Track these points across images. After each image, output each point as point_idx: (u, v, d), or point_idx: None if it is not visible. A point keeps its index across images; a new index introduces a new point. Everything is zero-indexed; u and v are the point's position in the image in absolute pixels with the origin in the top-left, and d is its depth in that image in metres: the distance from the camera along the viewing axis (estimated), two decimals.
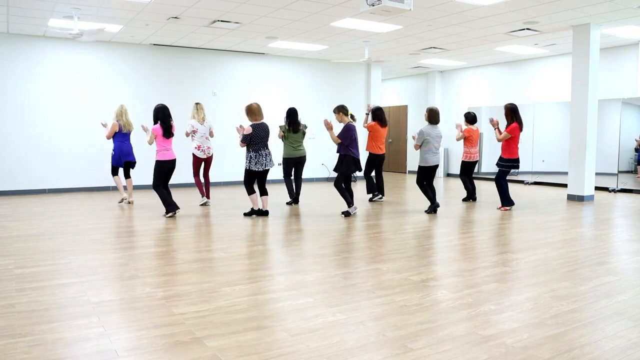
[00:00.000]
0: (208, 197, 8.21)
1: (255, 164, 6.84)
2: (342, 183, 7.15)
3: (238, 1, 7.46)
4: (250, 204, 8.29)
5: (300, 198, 9.14)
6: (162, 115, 6.95)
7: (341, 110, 7.30)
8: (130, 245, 5.27)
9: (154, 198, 9.08)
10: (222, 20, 8.60)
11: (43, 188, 10.00)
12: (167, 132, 6.98)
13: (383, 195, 8.92)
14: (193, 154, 7.97)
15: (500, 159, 7.78)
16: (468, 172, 8.79)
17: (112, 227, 6.36)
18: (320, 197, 9.47)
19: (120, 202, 8.41)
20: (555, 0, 7.39)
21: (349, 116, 7.33)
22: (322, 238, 5.67)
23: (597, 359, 2.59)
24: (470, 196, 8.83)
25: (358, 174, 12.86)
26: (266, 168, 6.91)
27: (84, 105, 10.26)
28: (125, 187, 9.19)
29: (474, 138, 8.66)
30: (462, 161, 8.79)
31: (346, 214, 7.16)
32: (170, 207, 7.02)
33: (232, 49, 11.38)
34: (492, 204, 8.53)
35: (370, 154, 8.55)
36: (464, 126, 8.89)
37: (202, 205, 8.17)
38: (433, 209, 7.45)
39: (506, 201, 7.80)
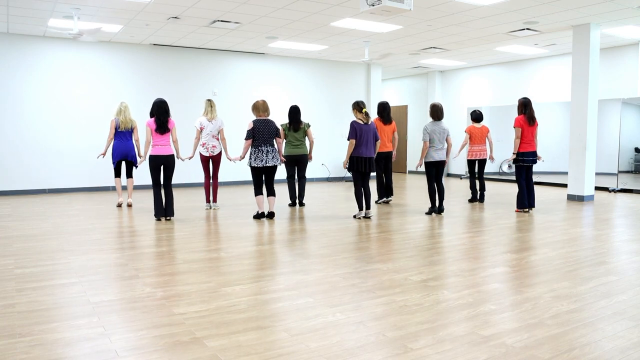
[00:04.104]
0: (214, 200, 7.87)
1: (255, 159, 6.72)
2: (357, 184, 7.05)
3: (238, 1, 7.46)
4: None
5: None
6: (156, 110, 6.75)
7: (354, 107, 7.01)
8: (130, 245, 5.27)
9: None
10: (222, 20, 8.60)
11: (43, 188, 10.00)
12: (161, 127, 6.72)
13: (391, 195, 8.57)
14: (200, 152, 7.71)
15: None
16: (473, 171, 8.79)
17: (112, 227, 6.36)
18: (320, 197, 9.47)
19: (118, 206, 8.09)
20: (555, 0, 7.39)
21: (363, 113, 6.91)
22: (323, 238, 5.67)
23: (597, 359, 2.59)
24: (475, 197, 8.78)
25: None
26: (267, 165, 6.70)
27: (84, 105, 10.26)
28: (125, 188, 9.11)
29: (477, 136, 8.67)
30: (467, 160, 8.77)
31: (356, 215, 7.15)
32: (157, 212, 6.76)
33: (232, 49, 11.38)
34: (495, 204, 8.53)
35: None
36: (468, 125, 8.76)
37: (207, 210, 7.82)
38: (432, 211, 7.44)
39: (519, 202, 7.54)
